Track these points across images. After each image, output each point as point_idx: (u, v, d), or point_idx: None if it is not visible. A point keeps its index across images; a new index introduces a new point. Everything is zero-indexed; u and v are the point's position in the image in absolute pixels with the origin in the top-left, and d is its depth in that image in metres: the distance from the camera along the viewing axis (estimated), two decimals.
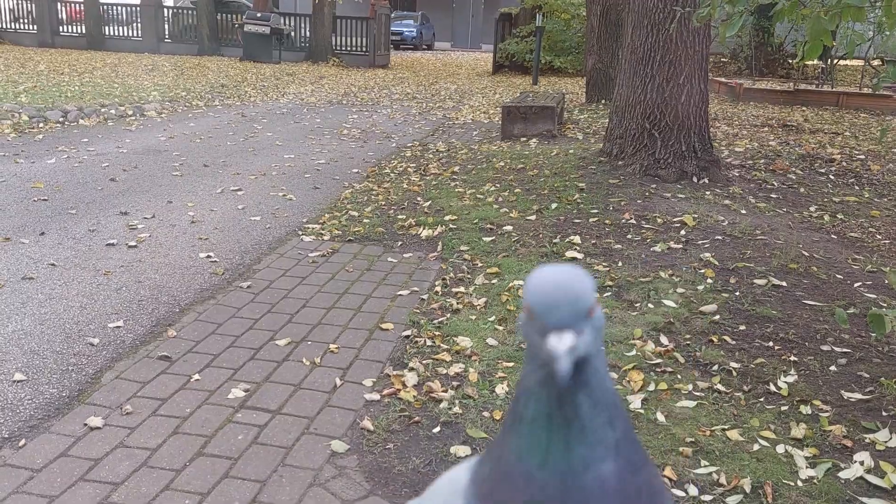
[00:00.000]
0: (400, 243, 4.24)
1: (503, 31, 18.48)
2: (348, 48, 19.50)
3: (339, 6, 19.13)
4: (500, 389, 2.60)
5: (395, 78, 16.18)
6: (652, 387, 2.59)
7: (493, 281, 3.61)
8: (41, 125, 7.59)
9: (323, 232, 4.43)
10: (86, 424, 2.26)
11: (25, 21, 21.18)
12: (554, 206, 4.80)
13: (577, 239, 4.17)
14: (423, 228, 4.46)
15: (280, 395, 2.53)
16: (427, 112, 10.52)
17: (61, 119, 7.90)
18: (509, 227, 4.41)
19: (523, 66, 17.56)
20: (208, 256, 3.90)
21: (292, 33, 19.72)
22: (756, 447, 2.24)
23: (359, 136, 8.08)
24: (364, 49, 19.31)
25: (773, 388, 2.60)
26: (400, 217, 4.73)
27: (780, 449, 2.24)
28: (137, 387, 2.52)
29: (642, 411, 2.43)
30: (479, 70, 19.64)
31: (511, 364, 2.78)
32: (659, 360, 2.79)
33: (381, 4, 19.59)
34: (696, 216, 4.50)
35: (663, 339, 2.96)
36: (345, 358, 2.83)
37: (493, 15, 19.81)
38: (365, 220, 4.66)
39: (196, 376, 2.61)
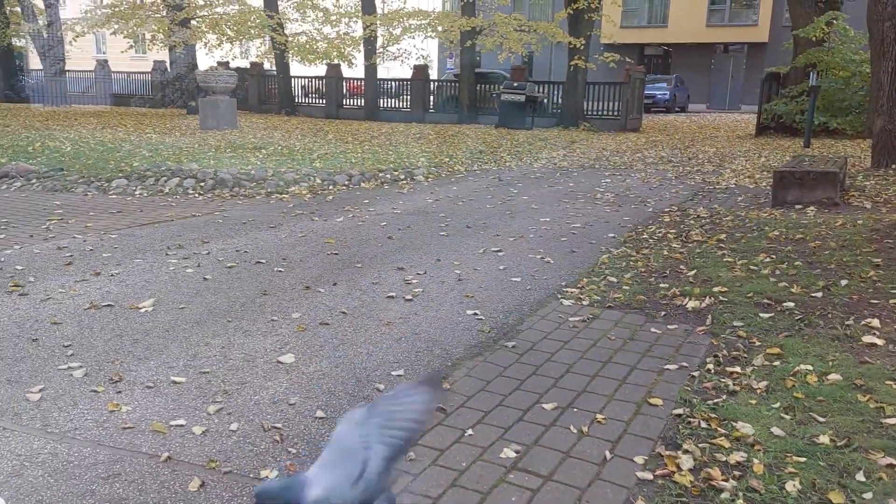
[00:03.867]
0: (663, 313, 4.08)
1: (769, 91, 17.37)
2: (599, 113, 19.68)
3: (592, 72, 19.46)
4: (792, 487, 2.33)
5: (647, 141, 15.93)
6: None
7: (775, 363, 3.30)
8: (331, 187, 8.65)
9: (582, 296, 4.41)
10: None
11: (315, 96, 24.60)
12: (844, 282, 4.30)
13: (875, 322, 3.67)
14: (689, 299, 4.25)
15: (550, 460, 2.52)
16: (684, 176, 10.16)
17: (346, 182, 8.94)
18: (790, 304, 4.02)
19: (792, 127, 16.29)
20: (475, 314, 4.07)
21: (545, 100, 20.43)
22: None
23: (613, 201, 8.03)
24: (615, 113, 19.35)
25: None
26: (662, 285, 4.56)
27: None
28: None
29: None
30: (740, 132, 18.59)
31: (803, 459, 2.48)
32: None
33: (636, 69, 19.56)
34: None
35: None
36: (613, 430, 2.74)
37: (757, 75, 18.74)
38: (624, 287, 4.56)
39: (469, 431, 2.70)
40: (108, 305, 4.08)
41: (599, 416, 2.84)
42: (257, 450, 2.54)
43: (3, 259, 5.06)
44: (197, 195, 7.99)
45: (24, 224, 6.27)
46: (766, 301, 4.11)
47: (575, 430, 2.73)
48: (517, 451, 2.56)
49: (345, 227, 6.42)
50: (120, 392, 2.98)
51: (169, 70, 25.59)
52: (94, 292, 4.33)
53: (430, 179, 9.66)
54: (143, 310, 4.02)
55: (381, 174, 9.52)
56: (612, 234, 6.22)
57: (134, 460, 2.45)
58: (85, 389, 3.00)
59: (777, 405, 2.88)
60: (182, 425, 2.70)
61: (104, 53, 38.70)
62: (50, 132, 14.17)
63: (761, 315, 3.90)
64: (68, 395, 2.94)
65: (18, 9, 25.11)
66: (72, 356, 3.34)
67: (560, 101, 20.23)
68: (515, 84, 18.85)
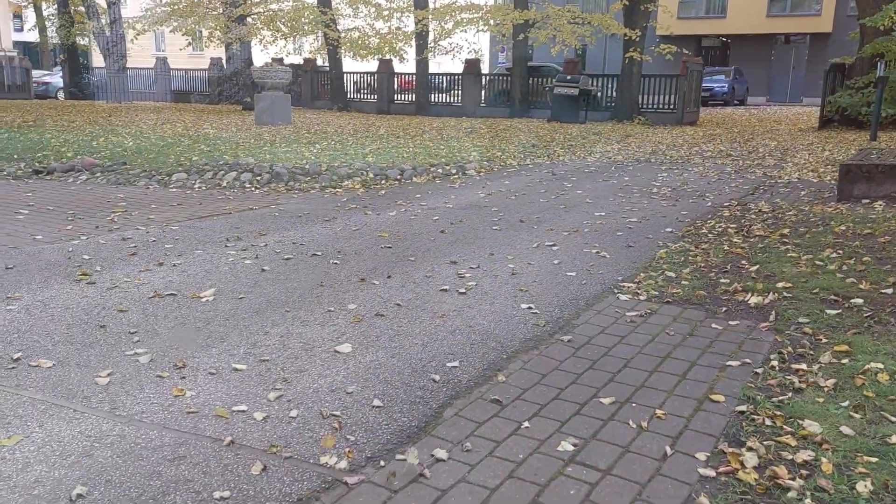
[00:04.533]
0: (724, 309, 3.98)
1: (833, 82, 16.76)
2: (654, 106, 19.31)
3: (647, 65, 19.09)
4: (863, 487, 2.24)
5: (704, 135, 15.56)
6: None
7: (843, 360, 3.18)
8: (383, 182, 8.71)
9: (639, 291, 4.34)
10: (432, 455, 2.45)
11: (366, 91, 24.81)
12: None
13: None
14: (751, 295, 4.13)
15: (608, 454, 2.48)
16: (744, 170, 9.89)
17: (398, 177, 8.99)
18: (859, 301, 3.88)
19: (857, 120, 15.70)
20: (529, 308, 4.05)
21: (598, 94, 20.14)
22: None
23: (669, 195, 7.87)
24: (671, 106, 18.95)
25: None
26: (723, 281, 4.45)
27: None
28: (474, 426, 2.67)
29: None
30: (802, 126, 18.00)
31: (874, 459, 2.39)
32: None
33: (694, 61, 19.11)
34: None
35: None
36: (673, 426, 2.69)
37: (820, 66, 18.11)
38: (683, 282, 4.47)
39: (526, 423, 2.69)
40: (171, 294, 4.20)
41: (659, 412, 2.79)
42: (317, 436, 2.57)
43: (71, 249, 5.25)
44: (253, 189, 8.15)
45: (90, 216, 6.50)
46: (832, 297, 3.97)
47: (634, 425, 2.69)
48: (575, 445, 2.53)
49: (398, 220, 6.46)
50: (184, 378, 3.06)
51: (225, 67, 26.17)
52: (158, 281, 4.46)
53: (481, 174, 9.63)
54: (204, 299, 4.12)
55: (432, 168, 9.54)
56: (670, 229, 6.10)
57: (198, 444, 2.52)
58: (151, 374, 3.09)
59: (846, 404, 2.78)
60: (244, 411, 2.76)
61: (163, 51, 39.83)
62: (113, 128, 14.66)
63: (828, 311, 3.77)
64: (135, 380, 3.03)
65: (82, 8, 26.01)
66: (137, 342, 3.45)
67: (614, 94, 19.91)
68: (568, 77, 18.64)
